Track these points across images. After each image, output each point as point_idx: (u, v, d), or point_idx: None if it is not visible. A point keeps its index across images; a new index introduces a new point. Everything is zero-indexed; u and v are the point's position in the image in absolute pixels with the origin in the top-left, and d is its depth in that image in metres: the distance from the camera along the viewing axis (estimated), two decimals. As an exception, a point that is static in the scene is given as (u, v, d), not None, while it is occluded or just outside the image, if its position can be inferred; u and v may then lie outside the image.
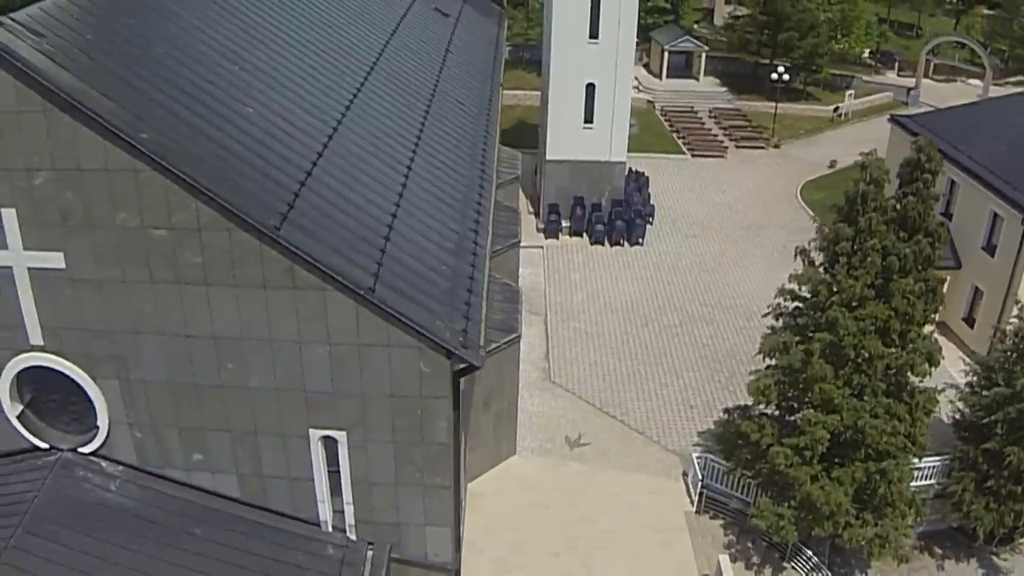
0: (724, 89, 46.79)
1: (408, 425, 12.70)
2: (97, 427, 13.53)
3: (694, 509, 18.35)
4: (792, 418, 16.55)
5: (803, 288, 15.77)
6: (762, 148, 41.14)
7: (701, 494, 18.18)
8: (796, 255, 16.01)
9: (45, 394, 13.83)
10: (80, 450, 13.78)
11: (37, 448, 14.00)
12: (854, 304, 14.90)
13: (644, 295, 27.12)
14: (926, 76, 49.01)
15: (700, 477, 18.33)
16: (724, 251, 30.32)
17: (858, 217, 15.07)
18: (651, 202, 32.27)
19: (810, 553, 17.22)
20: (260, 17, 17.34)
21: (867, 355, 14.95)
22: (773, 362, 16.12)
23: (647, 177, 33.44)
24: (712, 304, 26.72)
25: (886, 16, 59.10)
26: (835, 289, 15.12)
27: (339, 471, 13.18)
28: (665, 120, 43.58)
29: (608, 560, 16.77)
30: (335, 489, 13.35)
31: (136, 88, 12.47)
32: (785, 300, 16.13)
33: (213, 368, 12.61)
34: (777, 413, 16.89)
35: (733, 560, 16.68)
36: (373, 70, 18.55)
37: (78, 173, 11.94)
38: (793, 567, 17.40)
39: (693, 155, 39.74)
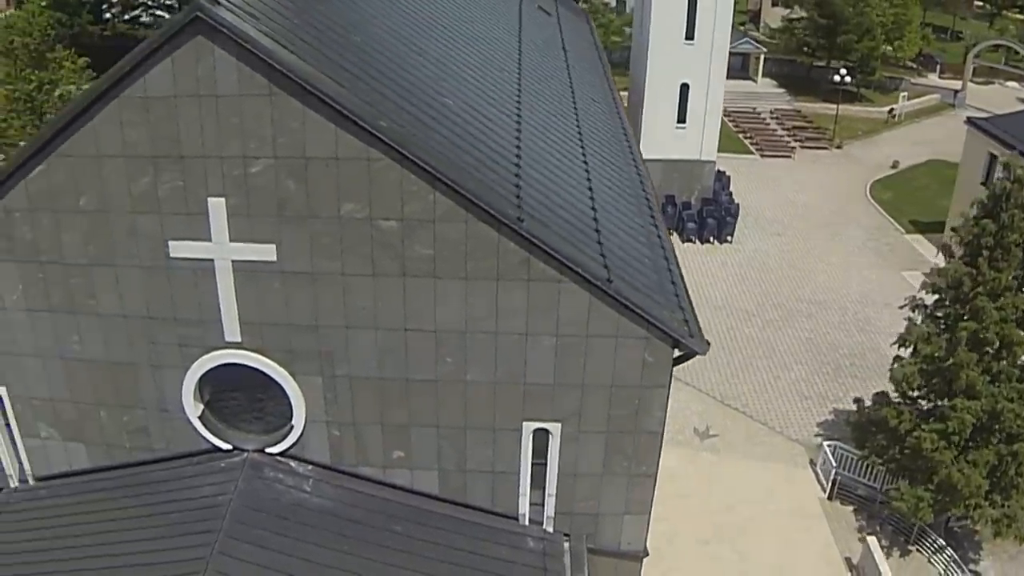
0: (782, 90, 48.08)
1: (623, 415, 12.74)
2: (291, 426, 13.04)
3: (826, 495, 19.16)
4: (932, 404, 17.46)
5: (943, 281, 16.63)
6: (825, 149, 42.60)
7: (834, 481, 19.01)
8: (938, 251, 16.94)
9: (229, 393, 13.27)
10: (268, 450, 13.28)
11: (218, 449, 13.41)
12: (996, 294, 15.85)
13: (741, 291, 28.00)
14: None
15: (834, 464, 19.15)
16: (808, 249, 31.60)
17: (1000, 213, 16.03)
18: (734, 200, 33.11)
19: (935, 536, 18.17)
20: (413, 7, 16.99)
21: (1007, 342, 15.93)
22: (905, 352, 16.97)
23: (728, 176, 34.21)
24: (807, 300, 27.81)
25: (922, 20, 61.25)
26: (979, 280, 16.05)
27: (545, 463, 13.15)
28: (730, 121, 44.56)
29: (756, 546, 17.40)
30: (537, 482, 13.31)
31: (354, 75, 12.06)
32: (927, 292, 16.98)
33: (430, 362, 12.31)
34: (915, 400, 17.77)
35: (864, 543, 17.47)
36: (520, 66, 18.41)
37: (302, 161, 11.45)
38: (917, 549, 18.37)
39: (762, 155, 41.05)
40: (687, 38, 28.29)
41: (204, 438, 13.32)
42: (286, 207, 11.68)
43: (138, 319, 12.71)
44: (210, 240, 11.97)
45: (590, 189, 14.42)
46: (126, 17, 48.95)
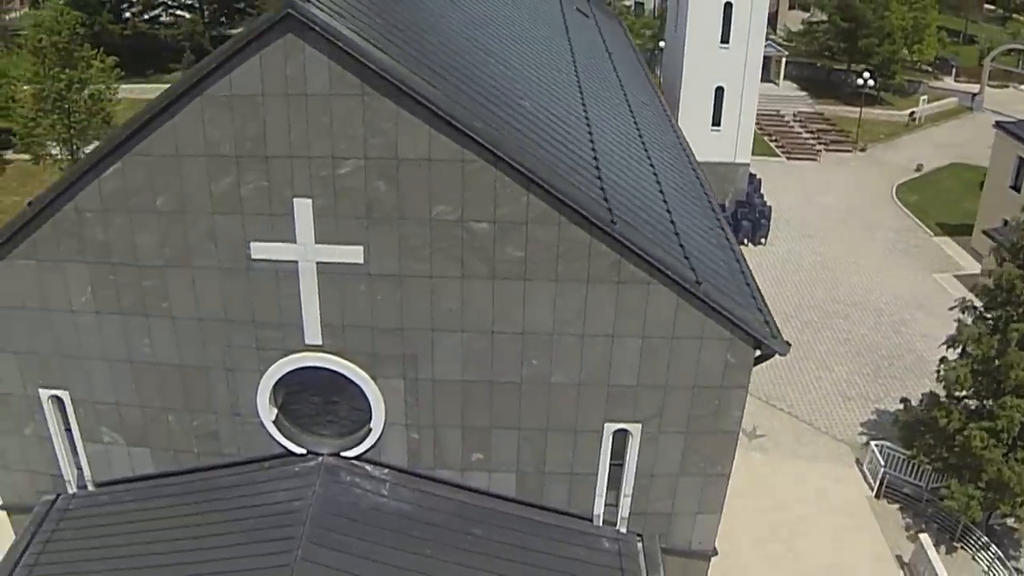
0: (804, 93, 48.34)
1: (703, 415, 12.79)
2: (369, 429, 12.89)
3: (873, 494, 19.56)
4: (980, 404, 17.81)
5: (994, 283, 16.95)
6: (849, 151, 43.07)
7: (882, 480, 19.39)
8: (989, 252, 17.30)
9: (303, 397, 13.07)
10: (343, 454, 13.12)
11: (292, 453, 13.21)
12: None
13: (778, 293, 28.33)
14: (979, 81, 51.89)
15: (882, 463, 19.54)
16: (840, 250, 32.07)
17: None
18: (766, 203, 33.39)
19: (978, 533, 18.59)
20: (466, 8, 16.79)
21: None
22: (954, 353, 17.29)
23: (759, 179, 34.47)
24: (842, 301, 28.29)
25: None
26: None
27: (622, 464, 13.17)
28: (755, 124, 44.55)
29: (810, 545, 17.72)
30: (613, 483, 13.32)
31: (439, 76, 11.89)
32: (979, 297, 17.33)
33: (515, 364, 12.23)
34: (961, 400, 18.11)
35: (912, 541, 17.88)
36: (576, 68, 18.32)
37: (394, 162, 11.28)
38: (962, 547, 18.79)
39: (788, 158, 41.40)
40: (722, 42, 28.60)
41: (278, 443, 13.14)
42: (375, 208, 11.51)
43: (214, 322, 12.47)
44: (295, 242, 11.76)
45: (661, 192, 14.42)
46: (145, 17, 48.48)
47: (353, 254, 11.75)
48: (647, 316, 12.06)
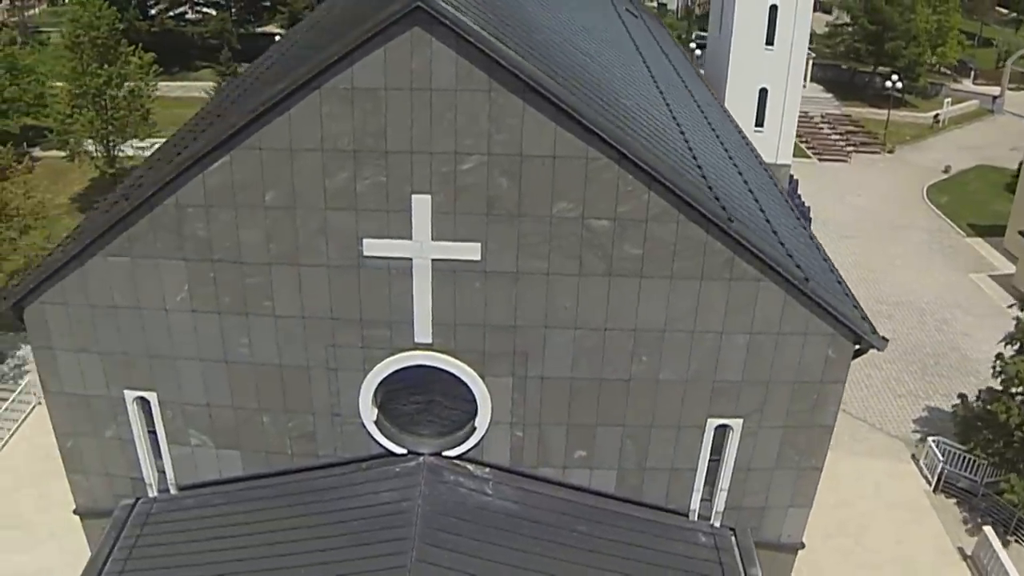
0: (830, 95, 48.78)
1: (801, 410, 12.96)
2: (474, 428, 12.78)
3: (931, 488, 20.11)
4: None
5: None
6: (878, 153, 43.65)
7: (940, 475, 19.96)
8: None
9: (402, 396, 12.89)
10: (445, 453, 12.98)
11: (391, 454, 13.02)
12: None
13: None
14: (999, 84, 52.83)
15: (941, 459, 20.08)
16: (878, 251, 32.67)
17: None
18: (805, 204, 33.70)
19: None
20: (553, 10, 16.73)
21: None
22: (1011, 349, 17.83)
23: (797, 180, 34.87)
24: (884, 301, 28.90)
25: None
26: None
27: (719, 459, 13.28)
28: None
29: (875, 538, 18.19)
30: (710, 477, 13.44)
31: (560, 74, 11.83)
32: None
33: (625, 361, 12.26)
34: (1014, 395, 18.67)
35: (972, 535, 18.54)
36: (649, 68, 18.38)
37: (518, 159, 11.21)
38: (1016, 540, 19.29)
39: (819, 159, 41.82)
40: (767, 44, 28.94)
41: (377, 443, 12.96)
42: (496, 205, 11.42)
43: (319, 320, 12.24)
44: (410, 238, 11.62)
45: (750, 190, 14.61)
46: (171, 13, 47.49)
47: (470, 251, 11.66)
48: (755, 313, 12.17)
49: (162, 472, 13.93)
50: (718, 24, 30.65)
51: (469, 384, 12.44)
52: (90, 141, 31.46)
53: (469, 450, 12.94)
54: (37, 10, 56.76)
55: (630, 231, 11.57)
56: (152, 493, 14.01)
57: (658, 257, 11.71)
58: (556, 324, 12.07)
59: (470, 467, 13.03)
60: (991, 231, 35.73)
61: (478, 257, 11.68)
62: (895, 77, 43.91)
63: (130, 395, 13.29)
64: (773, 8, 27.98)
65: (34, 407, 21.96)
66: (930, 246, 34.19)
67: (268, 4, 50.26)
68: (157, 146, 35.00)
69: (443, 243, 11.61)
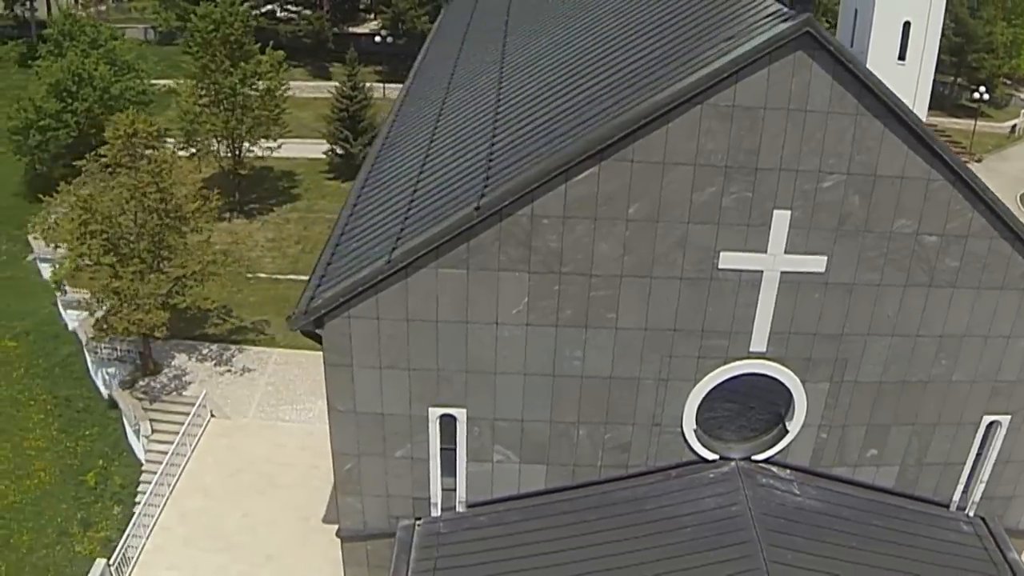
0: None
1: (1059, 403, 14.40)
2: (785, 431, 13.22)
3: None
4: None
5: None
6: (967, 162, 44.42)
7: None
8: None
9: (716, 403, 13.11)
10: (753, 457, 13.31)
11: (703, 460, 13.21)
12: None
13: None
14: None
15: None
16: None
17: None
18: None
19: None
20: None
21: None
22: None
23: None
24: None
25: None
26: None
27: (981, 453, 14.38)
28: None
29: None
30: (973, 470, 14.51)
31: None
32: None
33: (927, 365, 13.17)
34: None
35: None
36: None
37: (871, 178, 11.88)
38: None
39: None
40: (899, 58, 29.73)
41: (692, 450, 13.20)
42: (846, 221, 12.06)
43: (660, 332, 12.37)
44: (765, 251, 12.03)
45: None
46: (261, 11, 43.92)
47: (816, 264, 12.22)
48: (1038, 318, 13.58)
49: (448, 490, 13.52)
50: (848, 39, 31.80)
51: (791, 390, 13.00)
52: (215, 140, 29.26)
53: (776, 453, 13.48)
54: (103, 7, 51.82)
55: (952, 246, 12.57)
56: (435, 512, 13.55)
57: (971, 270, 12.78)
58: (877, 332, 12.85)
59: (774, 469, 13.55)
60: None
61: (822, 269, 12.28)
62: (982, 88, 45.64)
63: (435, 413, 12.83)
64: (907, 23, 29.29)
65: (208, 421, 20.21)
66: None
67: (362, 6, 48.29)
68: (292, 146, 32.76)
69: (794, 256, 12.12)
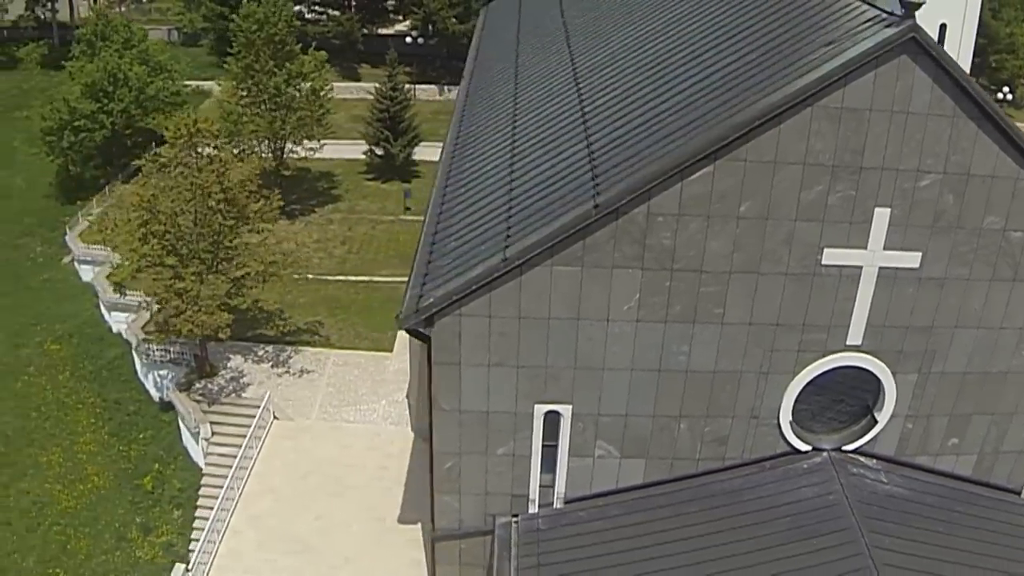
0: None
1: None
2: (875, 422, 13.62)
3: None
4: None
5: None
6: None
7: None
8: None
9: (809, 396, 13.47)
10: (844, 448, 13.68)
11: (795, 451, 13.55)
12: None
13: None
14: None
15: None
16: None
17: None
18: None
19: None
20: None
21: None
22: None
23: None
24: None
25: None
26: None
27: (1055, 440, 15.00)
28: None
29: None
30: (1041, 457, 15.12)
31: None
32: None
33: (1008, 355, 13.69)
34: None
35: None
36: None
37: (964, 177, 12.37)
38: None
39: None
40: None
41: (786, 442, 13.53)
42: (941, 218, 12.55)
43: (764, 327, 12.72)
44: (865, 248, 12.46)
45: None
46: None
47: (911, 259, 12.69)
48: (1098, 311, 14.22)
49: (546, 487, 13.66)
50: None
51: (882, 381, 13.44)
52: (255, 141, 28.96)
53: (864, 443, 13.89)
54: (122, 8, 50.60)
55: (1035, 242, 13.19)
56: (533, 509, 13.67)
57: (1053, 263, 13.42)
58: (964, 324, 13.35)
59: (862, 459, 13.97)
60: None
61: (917, 265, 12.75)
62: (1005, 88, 46.45)
63: (540, 409, 13.00)
64: (943, 27, 29.77)
65: (272, 423, 19.92)
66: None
67: (391, 7, 47.78)
68: (328, 146, 32.24)
69: (892, 252, 12.58)
